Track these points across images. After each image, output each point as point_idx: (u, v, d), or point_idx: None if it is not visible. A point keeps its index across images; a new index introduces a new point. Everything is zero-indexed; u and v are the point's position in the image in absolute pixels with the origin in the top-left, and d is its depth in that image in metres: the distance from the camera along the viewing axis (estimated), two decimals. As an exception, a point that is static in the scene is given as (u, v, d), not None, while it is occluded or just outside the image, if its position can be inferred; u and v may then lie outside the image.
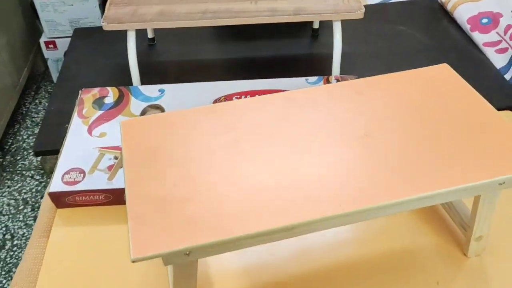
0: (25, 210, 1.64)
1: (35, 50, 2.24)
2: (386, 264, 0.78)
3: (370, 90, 0.82)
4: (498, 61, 1.32)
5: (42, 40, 2.13)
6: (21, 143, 1.92)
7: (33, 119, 2.06)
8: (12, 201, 1.67)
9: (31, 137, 1.96)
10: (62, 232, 0.83)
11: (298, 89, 1.17)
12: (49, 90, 2.23)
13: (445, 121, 0.75)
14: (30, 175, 1.77)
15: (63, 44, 2.20)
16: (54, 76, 2.17)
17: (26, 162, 1.83)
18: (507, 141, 0.69)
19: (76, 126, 1.05)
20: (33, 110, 2.11)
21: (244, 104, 0.80)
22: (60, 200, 0.89)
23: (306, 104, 0.78)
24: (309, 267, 0.79)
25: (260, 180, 0.64)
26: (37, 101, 2.17)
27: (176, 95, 1.15)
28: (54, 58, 2.21)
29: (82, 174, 0.92)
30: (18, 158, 1.84)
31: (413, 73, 0.87)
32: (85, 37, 1.60)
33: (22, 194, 1.70)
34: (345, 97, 0.80)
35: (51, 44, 2.16)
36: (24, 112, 2.10)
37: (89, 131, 1.03)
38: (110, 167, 0.93)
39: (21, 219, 1.61)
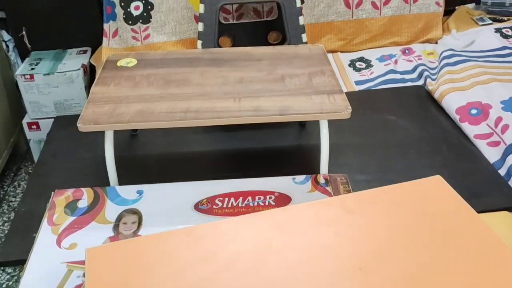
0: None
1: (18, 130, 2.19)
2: None
3: (362, 209, 0.76)
4: (491, 154, 1.29)
5: (25, 121, 2.08)
6: (-5, 230, 1.82)
7: (10, 203, 1.97)
8: (-20, 298, 1.55)
9: (6, 224, 1.86)
10: None
11: (285, 189, 1.11)
12: (29, 171, 2.15)
13: (441, 246, 0.68)
14: (1, 268, 1.66)
15: (47, 125, 2.15)
16: (36, 157, 2.10)
17: (-1, 253, 1.71)
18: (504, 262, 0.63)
19: (45, 236, 0.97)
20: (11, 193, 2.03)
21: (225, 227, 0.73)
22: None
23: (292, 230, 0.71)
24: None
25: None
26: (16, 183, 2.09)
27: (155, 197, 1.08)
28: (36, 139, 2.15)
29: (45, 299, 0.83)
30: (-10, 248, 1.73)
31: (406, 187, 0.81)
32: (66, 126, 1.55)
33: (-9, 290, 1.58)
34: (335, 219, 0.74)
35: (34, 125, 2.12)
36: (1, 195, 2.02)
37: (58, 242, 0.95)
38: (77, 289, 0.84)
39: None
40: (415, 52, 1.86)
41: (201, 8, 1.49)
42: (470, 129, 1.37)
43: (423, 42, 1.95)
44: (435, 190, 0.80)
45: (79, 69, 2.07)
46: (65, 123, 1.58)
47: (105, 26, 1.86)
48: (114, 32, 1.86)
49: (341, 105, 1.09)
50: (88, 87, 2.16)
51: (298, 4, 1.51)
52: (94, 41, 2.25)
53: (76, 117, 1.60)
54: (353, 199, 0.78)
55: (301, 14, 1.53)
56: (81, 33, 2.16)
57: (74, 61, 2.16)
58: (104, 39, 1.87)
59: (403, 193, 0.79)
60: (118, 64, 1.31)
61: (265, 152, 1.37)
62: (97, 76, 1.24)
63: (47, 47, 2.21)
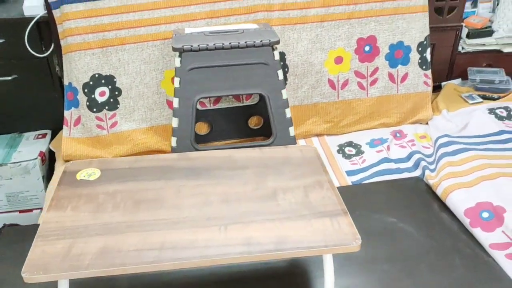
0: None
1: (-36, 227, 1.92)
2: None
3: None
4: (511, 268, 1.13)
5: (-28, 219, 1.82)
6: None
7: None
8: None
9: None
10: None
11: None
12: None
13: None
14: None
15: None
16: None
17: None
18: None
19: None
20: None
21: None
22: None
23: None
24: None
25: None
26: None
27: None
28: (-15, 237, 1.89)
29: None
30: None
31: None
32: (15, 241, 1.31)
33: None
34: None
35: (-17, 220, 1.87)
36: None
37: None
38: None
39: None
40: (407, 136, 1.73)
41: (175, 102, 1.32)
42: (484, 237, 1.21)
43: (413, 123, 1.83)
44: None
45: (35, 158, 1.85)
46: (15, 237, 1.33)
47: (66, 113, 1.66)
48: (76, 120, 1.66)
49: (348, 233, 0.92)
50: (46, 177, 1.93)
51: (284, 96, 1.36)
52: (54, 123, 2.04)
53: (30, 228, 1.37)
54: None
55: (287, 106, 1.38)
56: (40, 115, 1.96)
57: (30, 147, 1.94)
58: (65, 128, 1.66)
59: None
60: (78, 177, 1.10)
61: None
62: (52, 197, 1.03)
63: (1, 131, 2.00)
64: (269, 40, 1.30)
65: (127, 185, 1.07)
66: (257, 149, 1.21)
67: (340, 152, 1.68)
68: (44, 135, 1.97)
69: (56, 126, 1.99)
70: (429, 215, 1.36)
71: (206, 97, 1.34)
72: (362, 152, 1.67)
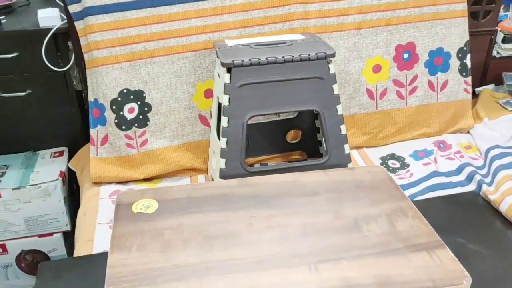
0: None
1: (-22, 255, 1.78)
2: None
3: None
4: None
5: (-12, 245, 1.69)
6: None
7: None
8: None
9: None
10: None
11: None
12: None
13: None
14: None
15: (15, 247, 1.77)
16: (1, 289, 1.70)
17: None
18: None
19: None
20: None
21: None
22: None
23: None
24: None
25: None
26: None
27: None
28: (3, 263, 1.76)
29: None
30: None
31: None
32: (55, 277, 1.18)
33: None
34: None
35: (0, 247, 1.73)
36: None
37: None
38: None
39: None
40: (452, 147, 1.66)
41: (224, 121, 1.22)
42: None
43: (454, 132, 1.76)
44: None
45: (56, 179, 1.72)
46: (53, 273, 1.21)
47: (92, 132, 1.54)
48: (103, 139, 1.54)
49: (454, 270, 0.83)
50: (68, 198, 1.81)
51: (340, 111, 1.27)
52: (71, 140, 1.91)
53: (63, 263, 1.25)
54: None
55: (343, 123, 1.29)
56: (55, 131, 1.83)
57: (49, 167, 1.81)
58: (92, 148, 1.54)
59: None
60: (134, 209, 1.00)
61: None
62: (112, 234, 0.92)
63: (14, 149, 1.86)
64: (325, 53, 1.21)
65: (191, 218, 0.97)
66: (321, 172, 1.12)
67: (384, 165, 1.60)
68: (61, 153, 1.85)
69: (73, 143, 1.87)
70: (496, 233, 1.29)
71: (258, 115, 1.25)
72: (408, 165, 1.59)
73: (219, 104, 1.35)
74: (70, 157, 1.80)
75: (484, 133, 1.70)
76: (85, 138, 1.86)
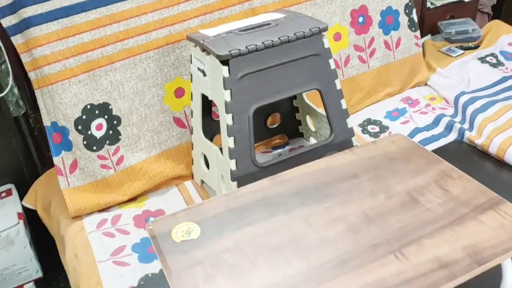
0: None
1: None
2: None
3: None
4: None
5: None
6: None
7: None
8: None
9: None
10: None
11: None
12: None
13: None
14: None
15: (-19, 312, 1.52)
16: None
17: None
18: None
19: None
20: None
21: None
22: None
23: None
24: None
25: None
26: None
27: None
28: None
29: None
30: None
31: None
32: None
33: None
34: None
35: (-36, 315, 1.47)
36: None
37: None
38: None
39: None
40: (420, 101, 1.70)
41: (228, 119, 1.11)
42: None
43: (413, 86, 1.81)
44: None
45: (17, 223, 1.49)
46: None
47: (56, 160, 1.33)
48: (71, 166, 1.34)
49: (527, 222, 0.84)
50: (34, 242, 1.57)
51: (338, 86, 1.22)
52: (15, 175, 1.66)
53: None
54: None
55: (342, 97, 1.25)
56: (-6, 168, 1.58)
57: (1, 211, 1.56)
58: (61, 179, 1.34)
59: None
60: (176, 239, 0.88)
61: None
62: (166, 274, 0.80)
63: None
64: (319, 28, 1.15)
65: (244, 232, 0.88)
66: (348, 151, 1.08)
67: (366, 132, 1.60)
68: (8, 192, 1.60)
69: (18, 179, 1.63)
70: (489, 176, 1.35)
71: (261, 106, 1.15)
72: (387, 127, 1.61)
73: (208, 102, 1.24)
74: (20, 195, 1.57)
75: (441, 82, 1.78)
76: (32, 170, 1.65)
